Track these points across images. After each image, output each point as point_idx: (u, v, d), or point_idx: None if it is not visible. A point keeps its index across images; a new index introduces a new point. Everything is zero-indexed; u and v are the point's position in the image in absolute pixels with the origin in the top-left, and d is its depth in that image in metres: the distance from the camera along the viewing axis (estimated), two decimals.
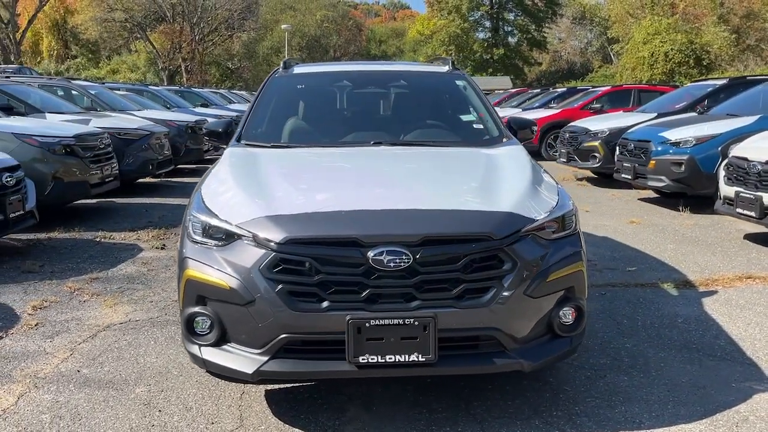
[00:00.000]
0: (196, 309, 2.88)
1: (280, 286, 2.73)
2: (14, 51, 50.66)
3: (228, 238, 2.87)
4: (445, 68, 4.81)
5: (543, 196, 3.15)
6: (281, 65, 4.81)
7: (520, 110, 17.63)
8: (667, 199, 9.53)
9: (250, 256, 2.78)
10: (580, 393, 3.39)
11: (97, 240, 6.98)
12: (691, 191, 8.50)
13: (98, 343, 4.11)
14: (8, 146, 7.33)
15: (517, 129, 4.38)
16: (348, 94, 4.65)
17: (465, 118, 4.41)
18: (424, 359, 2.75)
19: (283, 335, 2.76)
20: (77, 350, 4.00)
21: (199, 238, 2.95)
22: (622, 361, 3.79)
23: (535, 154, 15.27)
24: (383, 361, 2.74)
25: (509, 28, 57.11)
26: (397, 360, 2.75)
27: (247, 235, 2.82)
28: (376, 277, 2.73)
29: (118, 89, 16.01)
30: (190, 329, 2.92)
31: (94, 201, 9.22)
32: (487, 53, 54.98)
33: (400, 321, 2.71)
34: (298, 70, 4.76)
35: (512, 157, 3.62)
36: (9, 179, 6.08)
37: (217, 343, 2.88)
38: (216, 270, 2.83)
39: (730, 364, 3.76)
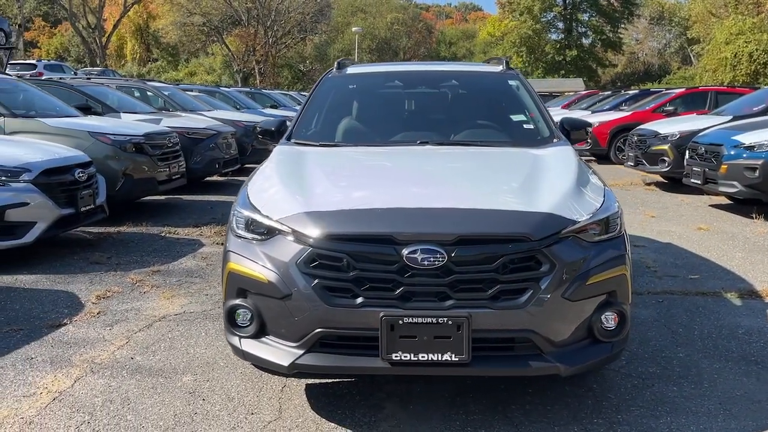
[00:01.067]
0: (237, 301, 2.96)
1: (316, 281, 2.77)
2: (100, 54, 53.06)
3: (269, 233, 2.94)
4: (499, 68, 4.77)
5: (587, 198, 3.08)
6: (335, 65, 4.87)
7: (589, 113, 17.22)
8: (740, 205, 9.12)
9: (288, 250, 2.84)
10: (624, 401, 3.30)
11: (162, 235, 7.24)
12: (766, 198, 8.11)
13: (153, 332, 4.27)
14: (83, 143, 7.71)
15: (570, 130, 4.29)
16: (399, 95, 4.67)
17: (516, 118, 4.36)
18: (457, 359, 2.74)
19: (319, 329, 2.80)
20: (133, 339, 4.17)
21: (242, 233, 3.03)
22: (673, 370, 3.66)
23: (604, 158, 14.91)
24: (416, 359, 2.74)
25: (583, 29, 55.90)
26: (430, 359, 2.74)
27: (286, 230, 2.88)
28: (410, 275, 2.74)
29: (191, 90, 16.55)
30: (231, 321, 3.00)
31: (162, 197, 9.57)
32: (559, 55, 53.98)
33: (434, 320, 2.71)
34: (352, 70, 4.81)
35: (559, 157, 3.55)
36: (81, 174, 6.39)
37: (257, 335, 2.95)
38: (256, 264, 2.90)
39: None
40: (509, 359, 2.83)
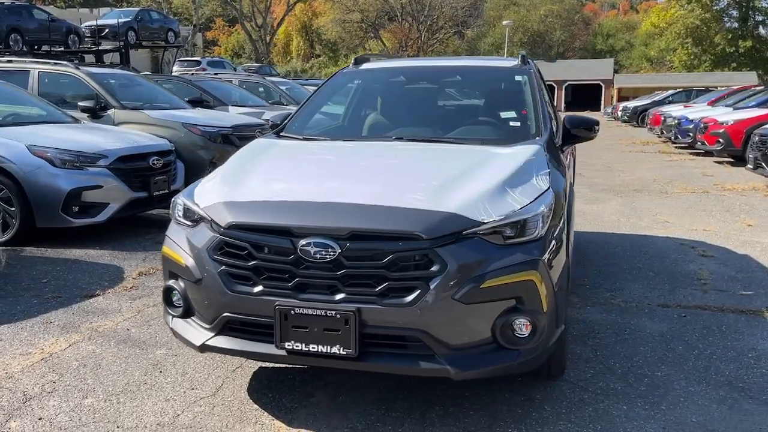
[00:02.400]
0: (170, 283, 3.19)
1: (221, 268, 2.93)
2: (264, 51, 56.52)
3: (198, 220, 3.13)
4: (512, 63, 4.62)
5: (509, 199, 2.96)
6: (352, 61, 4.97)
7: (731, 109, 15.77)
8: None
9: (203, 237, 3.02)
10: (557, 415, 3.14)
11: None
12: None
13: (161, 309, 4.64)
14: (177, 134, 8.42)
15: (570, 128, 4.09)
16: (397, 90, 4.67)
17: (506, 115, 4.21)
18: (345, 353, 2.78)
19: (225, 314, 2.95)
20: (142, 313, 4.57)
21: (180, 219, 3.24)
22: (637, 389, 3.41)
23: (740, 159, 13.61)
24: (307, 349, 2.82)
25: (761, 18, 50.87)
26: (320, 350, 2.80)
27: (207, 218, 3.06)
28: (305, 267, 2.81)
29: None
30: (166, 301, 3.23)
31: None
32: (731, 46, 49.56)
33: (324, 312, 2.76)
34: (366, 66, 4.88)
35: (513, 156, 3.41)
36: (156, 162, 7.01)
37: (184, 316, 3.15)
38: (180, 248, 3.11)
39: None
40: (399, 357, 2.81)
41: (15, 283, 5.20)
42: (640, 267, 5.79)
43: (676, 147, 18.34)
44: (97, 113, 8.73)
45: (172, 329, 3.21)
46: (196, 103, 10.58)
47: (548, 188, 3.15)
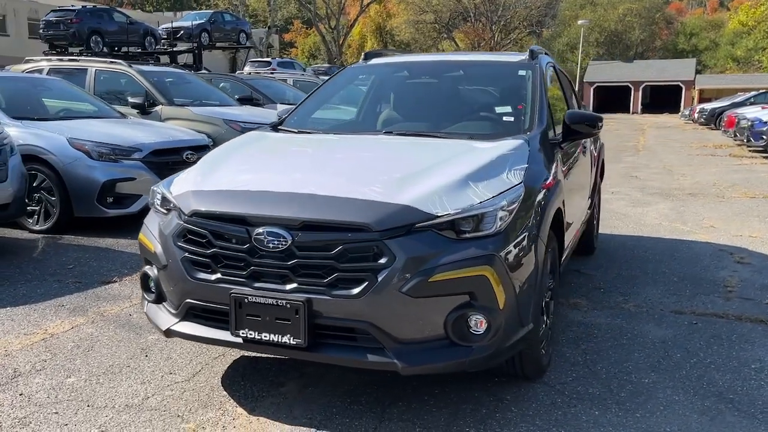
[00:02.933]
0: (145, 269, 3.28)
1: (184, 255, 2.99)
2: (336, 52, 57.27)
3: (171, 209, 3.21)
4: (519, 58, 4.51)
5: (469, 193, 2.89)
6: (362, 56, 4.97)
7: None
8: None
9: (170, 224, 3.09)
10: (522, 417, 3.05)
11: None
12: None
13: None
14: (218, 129, 8.67)
15: (570, 124, 3.96)
16: (399, 84, 4.63)
17: (501, 109, 4.11)
18: (294, 342, 2.78)
19: (187, 300, 3.01)
20: None
21: (157, 207, 3.33)
22: (617, 395, 3.26)
23: None
24: (260, 338, 2.84)
25: None
26: (272, 339, 2.82)
27: (176, 206, 3.13)
28: (259, 256, 2.83)
29: None
30: (143, 286, 3.32)
31: None
32: None
33: (275, 301, 2.78)
34: (374, 61, 4.87)
35: (489, 151, 3.32)
36: (190, 156, 7.22)
37: (157, 301, 3.24)
38: (151, 235, 3.20)
39: (755, 424, 3.01)
40: (348, 349, 2.80)
41: (43, 268, 5.46)
42: (665, 272, 5.55)
43: (750, 150, 17.44)
44: (145, 109, 9.08)
45: (146, 314, 3.30)
46: (245, 100, 10.84)
47: (518, 183, 3.06)
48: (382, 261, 2.69)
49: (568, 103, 4.92)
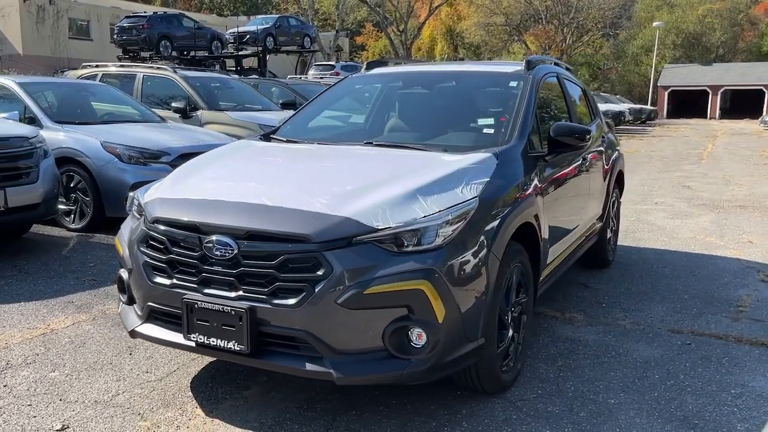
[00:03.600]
0: (120, 271, 3.44)
1: (145, 259, 3.13)
2: (404, 55, 57.48)
3: (142, 215, 3.36)
4: (515, 68, 4.46)
5: (415, 206, 2.90)
6: (364, 66, 5.03)
7: None
8: None
9: (137, 230, 3.24)
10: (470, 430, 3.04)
11: None
12: None
13: None
14: (254, 134, 8.88)
15: (555, 136, 3.91)
16: (392, 95, 4.65)
17: (483, 122, 4.07)
18: (239, 348, 2.87)
19: (148, 303, 3.15)
20: None
21: (134, 213, 3.49)
22: (576, 415, 3.21)
23: None
24: (209, 342, 2.94)
25: None
26: (218, 345, 2.92)
27: (144, 212, 3.28)
28: (209, 264, 2.94)
29: None
30: (119, 288, 3.49)
31: None
32: None
33: (221, 308, 2.88)
34: (377, 71, 4.92)
35: (450, 164, 3.31)
36: None
37: (129, 302, 3.39)
38: (122, 239, 3.36)
39: None
40: (289, 357, 2.86)
41: (67, 265, 5.77)
42: (678, 288, 5.36)
43: None
44: (186, 113, 9.42)
45: (119, 314, 3.46)
46: (287, 105, 11.07)
47: (471, 198, 3.05)
48: (320, 272, 2.74)
49: (570, 115, 4.83)
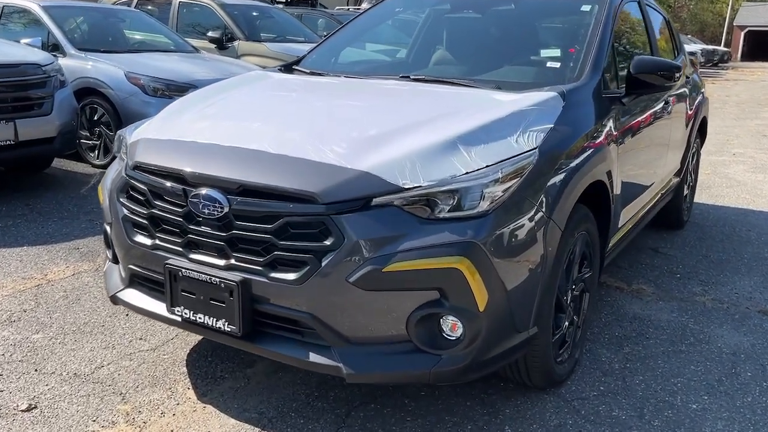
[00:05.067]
0: (105, 225, 2.91)
1: (125, 213, 2.58)
2: None
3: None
4: None
5: (455, 159, 2.24)
6: None
7: None
8: None
9: (117, 176, 2.69)
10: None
11: None
12: None
13: None
14: None
15: (636, 73, 3.15)
16: (437, 20, 3.91)
17: (547, 53, 3.32)
18: (229, 329, 2.32)
19: (130, 266, 2.62)
20: None
21: (120, 154, 2.93)
22: (647, 424, 2.58)
23: None
24: (194, 319, 2.40)
25: None
26: (206, 322, 2.37)
27: (127, 155, 2.71)
28: (196, 223, 2.37)
29: None
30: (105, 242, 2.97)
31: None
32: None
33: (208, 279, 2.32)
34: None
35: (504, 105, 2.62)
36: None
37: (115, 260, 2.87)
38: (104, 186, 2.81)
39: None
40: (290, 343, 2.30)
41: (82, 205, 5.34)
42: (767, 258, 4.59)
43: None
44: (223, 44, 8.82)
45: (104, 273, 2.95)
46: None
47: (531, 150, 2.38)
48: (328, 242, 2.14)
49: (652, 49, 4.02)
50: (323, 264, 2.14)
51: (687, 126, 4.63)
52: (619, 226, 3.31)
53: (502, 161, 2.28)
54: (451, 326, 2.20)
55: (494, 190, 2.20)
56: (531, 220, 2.30)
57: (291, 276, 2.19)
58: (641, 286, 3.99)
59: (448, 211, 2.17)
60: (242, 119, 2.71)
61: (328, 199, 2.14)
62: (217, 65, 7.20)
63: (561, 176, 2.47)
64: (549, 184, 2.41)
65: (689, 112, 4.64)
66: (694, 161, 5.20)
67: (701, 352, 3.18)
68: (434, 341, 2.21)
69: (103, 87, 6.46)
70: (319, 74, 3.51)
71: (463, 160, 2.26)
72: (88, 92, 6.55)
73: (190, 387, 2.77)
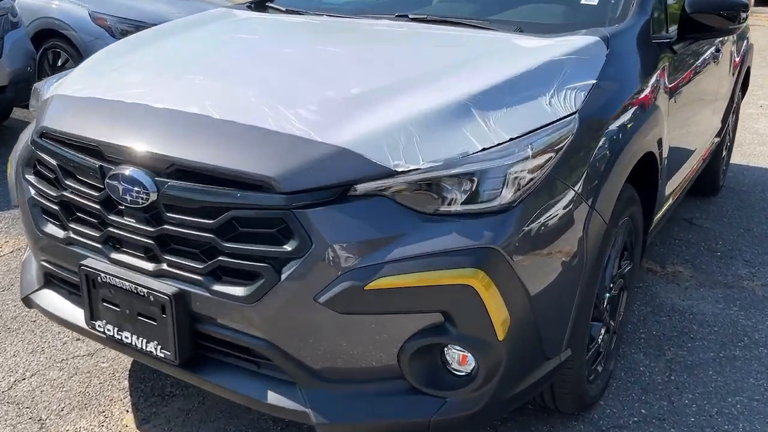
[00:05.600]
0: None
1: (31, 194, 1.97)
2: None
3: None
4: None
5: (466, 130, 1.62)
6: None
7: None
8: None
9: (24, 146, 2.07)
10: None
11: None
12: None
13: None
14: None
15: (692, 12, 2.49)
16: None
17: None
18: (163, 355, 1.74)
19: (42, 261, 2.03)
20: None
21: (34, 112, 2.31)
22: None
23: None
24: (119, 337, 1.82)
25: None
26: (135, 344, 1.79)
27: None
28: (117, 213, 1.76)
29: None
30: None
31: None
32: None
33: (134, 288, 1.73)
34: None
35: (533, 53, 1.97)
36: None
37: None
38: (14, 155, 2.19)
39: None
40: (242, 377, 1.72)
41: None
42: None
43: None
44: None
45: (22, 264, 2.35)
46: None
47: (570, 115, 1.75)
48: (289, 247, 1.54)
49: None
50: (283, 277, 1.54)
51: (733, 77, 3.96)
52: (664, 201, 2.71)
53: (531, 132, 1.66)
54: (460, 358, 1.62)
55: (522, 172, 1.59)
56: (569, 212, 1.70)
57: (240, 291, 1.59)
58: (677, 268, 3.41)
59: (460, 203, 1.56)
60: (185, 72, 2.05)
61: (289, 187, 1.52)
62: (195, 5, 6.44)
63: (607, 150, 1.85)
64: (592, 161, 1.79)
65: (735, 61, 3.97)
66: (733, 118, 4.55)
67: (760, 359, 2.61)
68: (436, 379, 1.63)
69: (66, 29, 5.76)
70: (297, 13, 2.83)
71: (479, 131, 1.63)
72: (50, 34, 5.85)
73: (130, 409, 2.21)
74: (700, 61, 2.95)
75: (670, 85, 2.42)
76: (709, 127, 3.47)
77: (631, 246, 2.32)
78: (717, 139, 4.01)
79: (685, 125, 2.82)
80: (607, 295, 2.16)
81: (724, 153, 4.44)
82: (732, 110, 4.28)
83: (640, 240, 2.39)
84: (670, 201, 2.96)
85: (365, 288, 1.50)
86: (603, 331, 2.18)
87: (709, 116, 3.38)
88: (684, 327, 2.83)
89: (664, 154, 2.44)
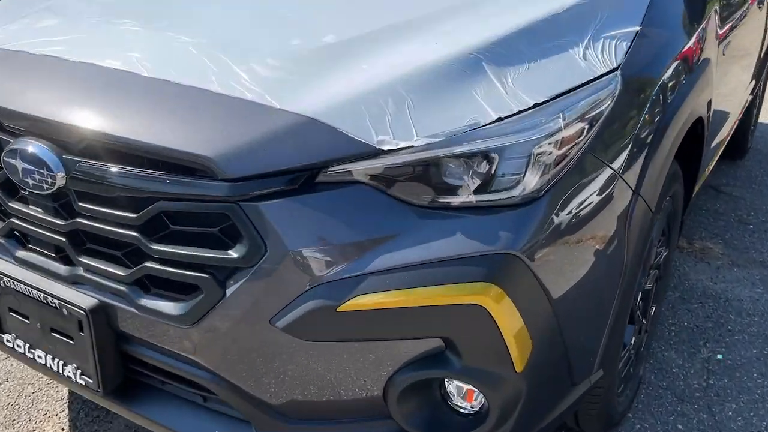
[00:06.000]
0: None
1: None
2: None
3: None
4: None
5: (476, 92, 1.20)
6: None
7: None
8: None
9: None
10: None
11: None
12: None
13: None
14: None
15: None
16: None
17: None
18: (83, 381, 1.36)
19: None
20: None
21: None
22: None
23: None
24: (31, 356, 1.43)
25: None
26: (50, 366, 1.41)
27: None
28: (20, 200, 1.36)
29: None
30: None
31: None
32: None
33: (43, 298, 1.33)
34: None
35: None
36: None
37: None
38: None
39: None
40: (183, 411, 1.35)
41: None
42: None
43: None
44: None
45: None
46: None
47: (610, 71, 1.32)
48: (234, 252, 1.13)
49: None
50: (228, 292, 1.15)
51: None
52: (706, 172, 2.31)
53: (562, 95, 1.24)
54: (466, 394, 1.24)
55: (551, 150, 1.17)
56: (608, 201, 1.30)
57: (173, 309, 1.20)
58: (707, 244, 3.02)
59: (469, 193, 1.15)
60: (111, 15, 1.61)
61: (234, 171, 1.11)
62: None
63: (656, 117, 1.44)
64: (636, 133, 1.38)
65: None
66: (765, 73, 4.09)
67: None
68: (434, 420, 1.25)
69: None
70: None
71: (494, 94, 1.21)
72: None
73: (66, 428, 1.84)
74: (746, 4, 2.51)
75: (720, 33, 1.99)
76: (748, 83, 3.04)
77: (669, 230, 1.93)
78: (750, 96, 3.58)
79: (730, 82, 2.39)
80: (641, 291, 1.78)
81: (754, 111, 4.01)
82: (765, 64, 3.83)
83: (678, 222, 2.00)
84: (709, 169, 2.56)
85: (338, 309, 1.11)
86: (635, 332, 1.81)
87: (748, 70, 2.95)
88: (719, 317, 2.46)
89: (711, 119, 2.02)
